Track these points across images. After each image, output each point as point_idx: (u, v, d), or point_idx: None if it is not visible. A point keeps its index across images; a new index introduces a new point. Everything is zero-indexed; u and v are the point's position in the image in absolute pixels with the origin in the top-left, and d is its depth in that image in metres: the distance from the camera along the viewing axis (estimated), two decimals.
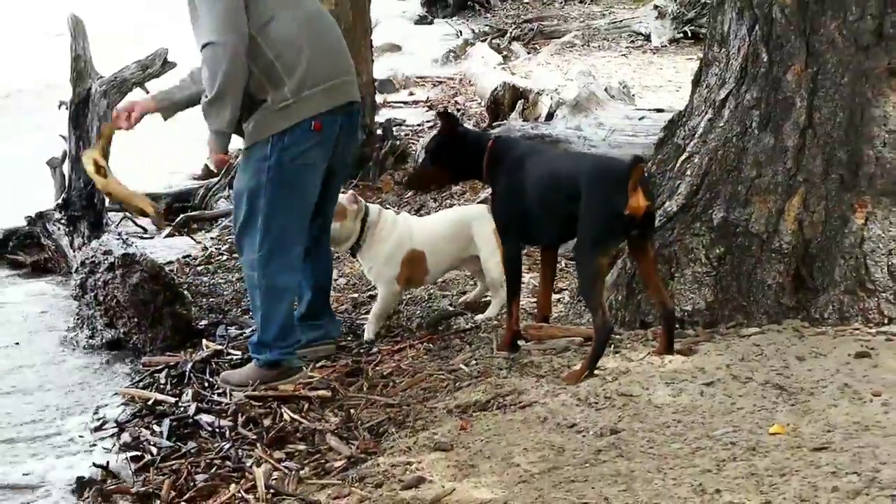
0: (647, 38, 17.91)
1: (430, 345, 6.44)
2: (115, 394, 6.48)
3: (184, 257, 9.10)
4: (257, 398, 6.00)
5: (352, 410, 5.72)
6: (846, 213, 5.66)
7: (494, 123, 11.24)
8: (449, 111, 6.19)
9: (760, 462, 4.17)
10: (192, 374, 6.46)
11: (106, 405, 6.35)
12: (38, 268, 9.05)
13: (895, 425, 4.35)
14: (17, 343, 7.50)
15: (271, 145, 5.95)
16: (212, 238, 9.67)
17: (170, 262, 8.67)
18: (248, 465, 5.31)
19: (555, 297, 6.58)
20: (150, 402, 6.21)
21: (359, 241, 6.63)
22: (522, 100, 11.91)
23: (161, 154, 12.59)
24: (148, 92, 8.91)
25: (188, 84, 6.28)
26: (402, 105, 14.68)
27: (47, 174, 9.63)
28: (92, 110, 8.89)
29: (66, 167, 9.13)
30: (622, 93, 11.32)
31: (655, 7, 18.37)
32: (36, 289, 8.68)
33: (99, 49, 9.35)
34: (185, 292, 7.54)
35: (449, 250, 6.76)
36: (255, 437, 5.61)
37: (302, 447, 5.46)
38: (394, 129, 11.22)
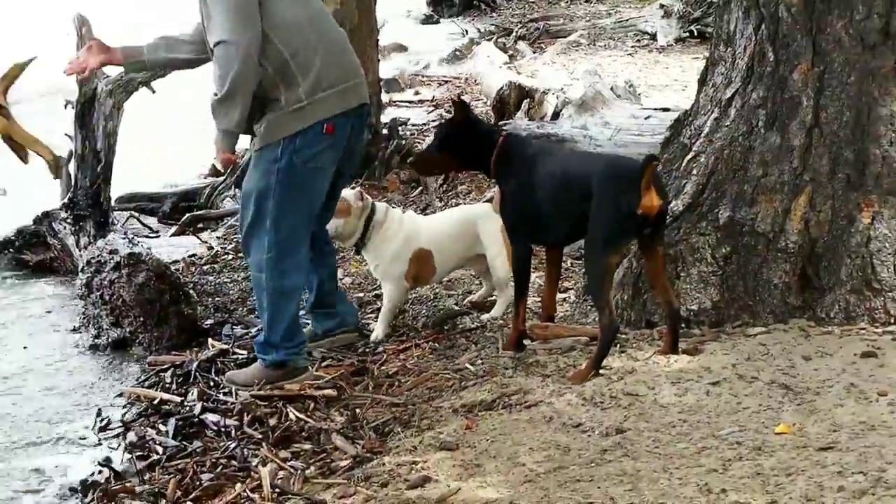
0: (653, 37, 17.88)
1: (436, 344, 6.43)
2: (121, 393, 6.48)
3: (189, 256, 9.09)
4: (263, 397, 6.00)
5: (357, 410, 5.72)
6: (852, 212, 5.65)
7: (500, 123, 11.22)
8: (463, 99, 6.13)
9: (766, 462, 4.17)
10: (197, 374, 6.46)
11: (111, 404, 6.36)
12: (44, 267, 9.05)
13: None
14: (24, 345, 7.49)
15: (282, 147, 5.92)
16: (217, 237, 9.66)
17: (175, 262, 8.67)
18: (254, 464, 5.31)
19: (560, 296, 6.58)
20: (155, 402, 6.21)
21: (363, 238, 6.61)
22: (528, 99, 11.89)
23: (167, 152, 12.62)
24: (154, 91, 8.93)
25: (158, 50, 6.26)
26: (407, 105, 14.68)
27: (47, 176, 9.60)
28: (98, 110, 8.88)
29: (72, 166, 9.13)
30: (628, 92, 11.30)
31: (661, 6, 18.32)
32: (41, 288, 8.68)
33: None
34: (191, 291, 7.54)
35: (455, 249, 6.75)
36: (260, 436, 5.61)
37: (307, 446, 5.46)
38: (399, 128, 11.21)
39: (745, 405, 4.73)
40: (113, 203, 9.43)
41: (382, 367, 6.23)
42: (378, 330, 6.63)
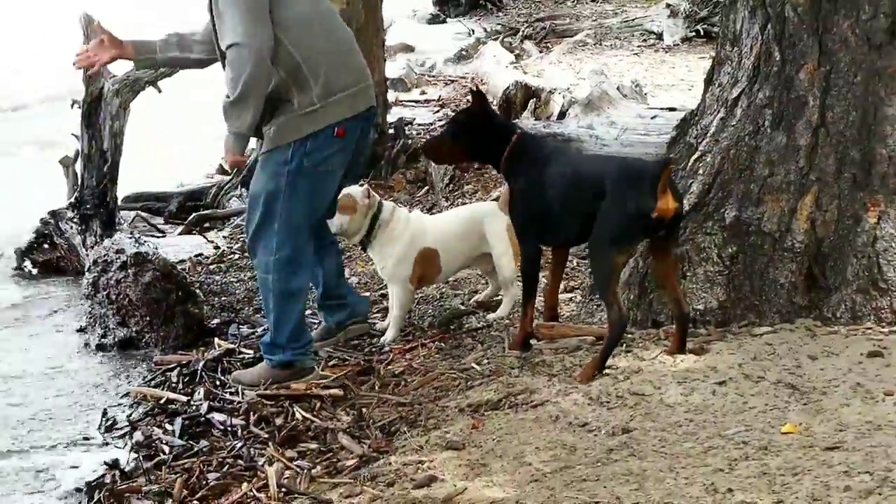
0: (660, 36, 17.87)
1: (442, 344, 6.43)
2: (127, 393, 6.48)
3: (196, 256, 9.10)
4: (269, 397, 6.00)
5: (364, 409, 5.72)
6: (859, 211, 5.65)
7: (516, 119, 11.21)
8: (480, 90, 6.06)
9: (772, 461, 4.17)
10: (204, 373, 6.46)
11: (118, 404, 6.36)
12: (51, 266, 9.06)
13: None
14: (30, 345, 7.50)
15: (293, 150, 5.91)
16: (224, 237, 9.67)
17: (182, 261, 8.67)
18: (261, 463, 5.31)
19: (566, 296, 6.58)
20: (162, 401, 6.22)
21: (368, 236, 6.58)
22: (534, 98, 11.89)
23: (173, 152, 12.63)
24: (161, 91, 8.93)
25: (171, 47, 6.24)
26: (413, 104, 14.67)
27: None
28: (104, 109, 8.89)
29: (78, 166, 9.14)
30: (634, 91, 11.31)
31: (668, 6, 18.31)
32: (48, 287, 8.69)
33: None
34: (198, 291, 7.54)
35: (461, 248, 6.73)
36: (267, 435, 5.61)
37: (314, 446, 5.46)
38: (405, 128, 11.21)
39: (752, 405, 4.73)
40: (119, 202, 9.43)
41: (389, 367, 6.23)
42: (389, 333, 6.61)
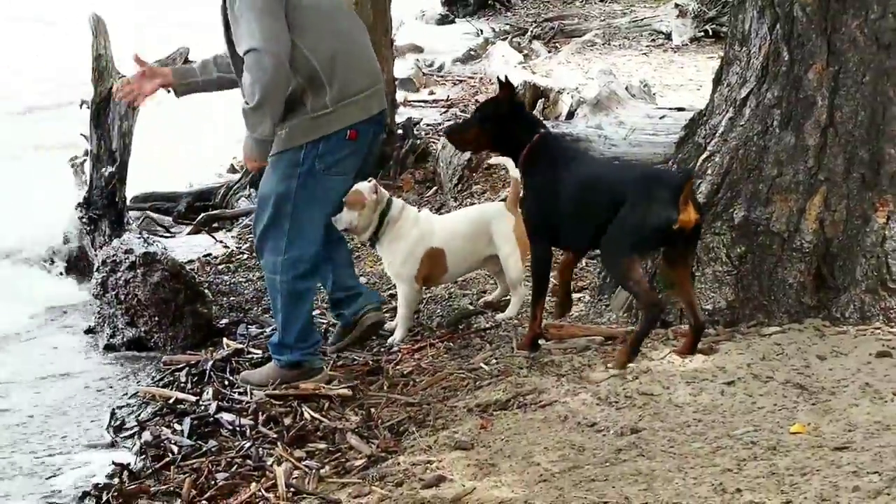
0: (668, 36, 17.86)
1: (451, 344, 6.44)
2: (136, 393, 6.49)
3: (204, 256, 9.11)
4: (278, 397, 6.01)
5: (372, 409, 5.73)
6: (867, 211, 5.65)
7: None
8: (510, 80, 6.00)
9: (781, 461, 4.16)
10: (212, 373, 6.47)
11: (126, 404, 6.37)
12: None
13: None
14: (39, 345, 7.51)
15: (305, 152, 5.90)
16: (232, 237, 9.68)
17: (191, 261, 8.68)
18: (269, 463, 5.32)
19: (575, 296, 6.57)
20: (170, 401, 6.23)
21: (377, 233, 6.56)
22: (543, 98, 11.87)
23: (182, 152, 12.63)
24: (169, 91, 8.92)
25: (210, 69, 6.23)
26: (422, 104, 14.67)
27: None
28: (113, 109, 8.89)
29: (87, 166, 9.15)
30: (643, 91, 11.29)
31: (676, 5, 18.30)
32: (57, 288, 8.70)
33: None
34: (206, 291, 7.56)
35: (468, 249, 6.72)
36: (275, 435, 5.62)
37: (322, 446, 5.47)
38: (414, 128, 11.21)
39: (760, 405, 4.73)
40: (128, 203, 9.44)
41: (397, 367, 6.23)
42: (397, 333, 6.61)
